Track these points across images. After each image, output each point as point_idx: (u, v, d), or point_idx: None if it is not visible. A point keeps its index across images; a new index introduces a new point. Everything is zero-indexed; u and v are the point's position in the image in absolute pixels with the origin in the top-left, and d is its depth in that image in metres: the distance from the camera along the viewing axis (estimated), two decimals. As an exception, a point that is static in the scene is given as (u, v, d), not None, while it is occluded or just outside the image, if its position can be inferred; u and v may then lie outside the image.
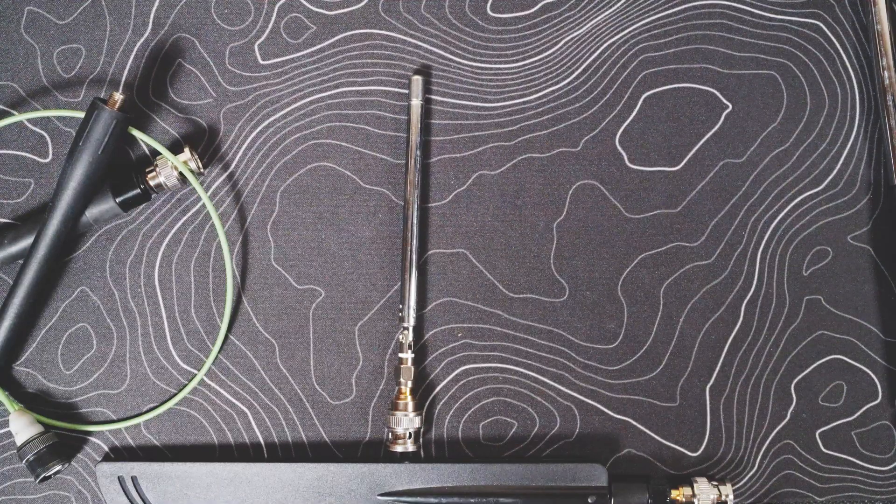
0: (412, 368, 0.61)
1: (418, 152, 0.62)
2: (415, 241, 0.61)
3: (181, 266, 0.63)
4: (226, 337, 0.62)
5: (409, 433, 0.60)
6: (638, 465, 0.63)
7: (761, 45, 0.64)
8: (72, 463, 0.62)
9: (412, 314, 0.61)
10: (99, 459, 0.62)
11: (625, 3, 0.64)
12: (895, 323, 0.64)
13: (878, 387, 0.64)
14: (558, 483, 0.60)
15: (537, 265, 0.63)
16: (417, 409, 0.61)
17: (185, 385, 0.62)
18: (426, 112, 0.63)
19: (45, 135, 0.63)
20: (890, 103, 0.63)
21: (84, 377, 0.62)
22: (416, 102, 0.62)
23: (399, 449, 0.60)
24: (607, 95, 0.64)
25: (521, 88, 0.64)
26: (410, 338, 0.61)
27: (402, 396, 0.61)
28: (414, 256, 0.61)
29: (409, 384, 0.61)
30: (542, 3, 0.64)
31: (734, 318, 0.64)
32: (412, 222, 0.62)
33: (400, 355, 0.61)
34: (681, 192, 0.64)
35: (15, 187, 0.63)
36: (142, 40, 0.63)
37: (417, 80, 0.62)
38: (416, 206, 0.62)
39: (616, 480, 0.61)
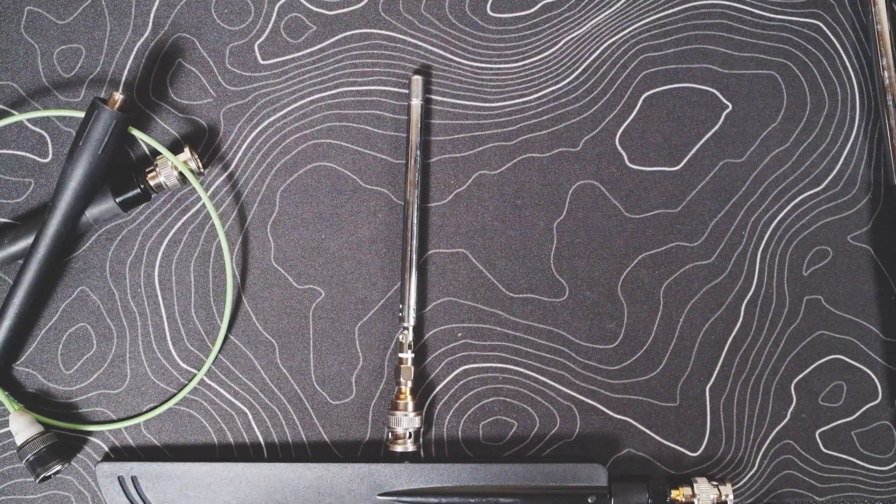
0: (412, 368, 0.61)
1: (418, 152, 0.62)
2: (415, 241, 0.61)
3: (181, 266, 0.63)
4: (226, 337, 0.62)
5: (409, 433, 0.60)
6: (638, 465, 0.63)
7: (761, 45, 0.64)
8: (72, 463, 0.62)
9: (412, 314, 0.61)
10: (99, 459, 0.62)
11: (625, 3, 0.64)
12: (895, 323, 0.64)
13: (878, 387, 0.64)
14: (558, 483, 0.60)
15: (537, 265, 0.63)
16: (417, 409, 0.61)
17: (185, 385, 0.62)
18: (426, 112, 0.63)
19: (45, 135, 0.63)
20: (890, 103, 0.63)
21: (84, 377, 0.62)
22: (416, 102, 0.62)
23: (399, 449, 0.60)
24: (607, 95, 0.64)
25: (521, 88, 0.64)
26: (410, 338, 0.61)
27: (402, 396, 0.61)
28: (414, 256, 0.61)
29: (409, 384, 0.61)
30: (542, 3, 0.64)
31: (734, 318, 0.64)
32: (412, 222, 0.62)
33: (400, 355, 0.61)
34: (681, 192, 0.64)
35: (15, 187, 0.63)
36: (142, 40, 0.63)
37: (417, 80, 0.62)
38: (416, 206, 0.62)
39: (616, 480, 0.61)
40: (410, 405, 0.60)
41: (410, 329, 0.61)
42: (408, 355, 0.61)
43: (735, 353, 0.63)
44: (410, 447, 0.60)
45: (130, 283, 0.63)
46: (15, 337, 0.61)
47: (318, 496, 0.60)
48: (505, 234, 0.63)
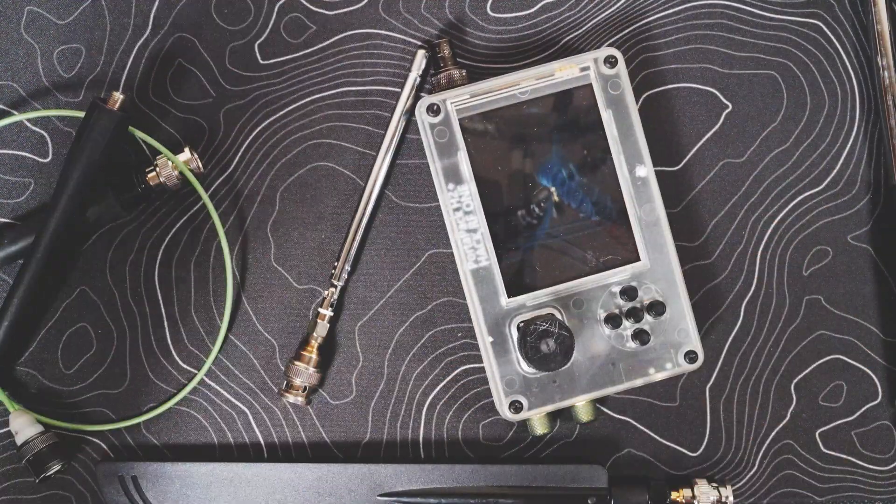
0: (328, 326, 0.61)
1: (404, 116, 0.62)
2: (374, 196, 0.62)
3: (181, 266, 0.63)
4: (226, 337, 0.62)
5: (305, 387, 0.61)
6: (638, 465, 0.63)
7: (761, 45, 0.64)
8: (72, 463, 0.62)
9: (344, 274, 0.62)
10: (99, 459, 0.62)
11: (625, 3, 0.64)
12: (895, 323, 0.64)
13: (878, 387, 0.64)
14: (558, 484, 0.60)
15: (537, 265, 0.63)
16: (319, 367, 0.61)
17: (186, 385, 0.62)
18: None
19: (45, 135, 0.63)
20: (890, 103, 0.63)
21: (84, 377, 0.62)
22: (414, 75, 0.62)
23: (290, 399, 0.61)
24: (607, 95, 0.64)
25: (521, 88, 0.64)
26: (335, 296, 0.62)
27: (308, 349, 0.61)
28: (368, 212, 0.62)
29: (320, 340, 0.61)
30: (542, 3, 0.64)
31: (734, 318, 0.64)
32: (377, 175, 0.62)
33: (320, 310, 0.61)
34: (681, 192, 0.64)
35: (15, 187, 0.63)
36: (142, 40, 0.63)
37: (420, 55, 0.62)
38: (386, 161, 0.62)
39: (616, 482, 0.61)
40: (314, 360, 0.61)
41: (338, 288, 0.61)
42: (327, 312, 0.61)
43: (735, 353, 0.63)
44: (301, 400, 0.60)
45: (130, 283, 0.63)
46: (15, 337, 0.61)
47: (318, 496, 0.60)
48: (505, 234, 0.63)
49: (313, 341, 0.61)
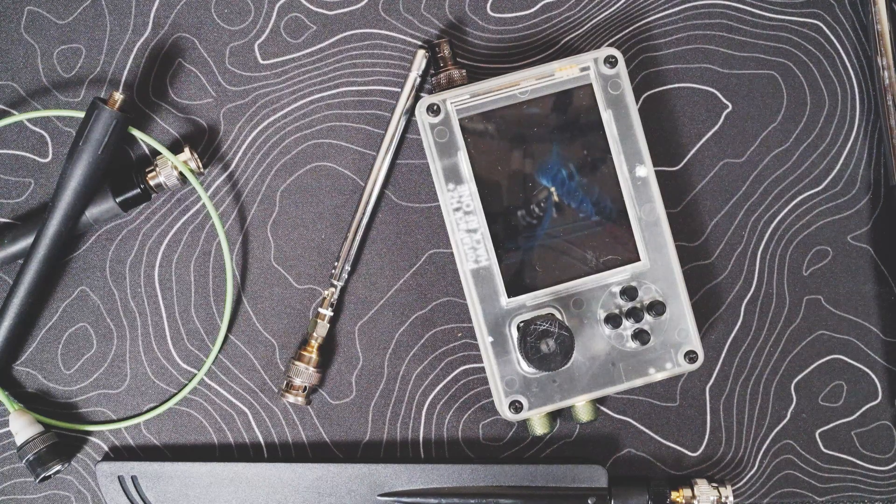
0: (328, 326, 0.61)
1: (404, 117, 0.62)
2: (373, 196, 0.62)
3: (181, 266, 0.63)
4: (226, 337, 0.62)
5: (305, 387, 0.61)
6: (638, 465, 0.63)
7: (761, 45, 0.64)
8: (72, 463, 0.62)
9: (344, 274, 0.62)
10: (99, 459, 0.62)
11: (625, 3, 0.64)
12: (895, 323, 0.64)
13: (878, 387, 0.64)
14: (558, 484, 0.60)
15: (537, 265, 0.63)
16: (319, 367, 0.61)
17: (185, 385, 0.62)
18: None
19: (45, 135, 0.63)
20: (890, 103, 0.63)
21: (84, 377, 0.62)
22: (414, 75, 0.62)
23: (290, 399, 0.61)
24: (607, 95, 0.64)
25: (521, 88, 0.64)
26: (336, 297, 0.62)
27: (308, 349, 0.61)
28: (368, 211, 0.62)
29: (320, 340, 0.61)
30: (542, 3, 0.64)
31: (734, 318, 0.64)
32: (377, 174, 0.62)
33: (319, 310, 0.61)
34: (681, 192, 0.64)
35: (15, 187, 0.63)
36: (142, 40, 0.63)
37: (420, 54, 0.62)
38: (386, 159, 0.62)
39: (616, 482, 0.61)
40: (314, 360, 0.61)
41: (338, 288, 0.62)
42: (327, 312, 0.61)
43: (735, 353, 0.63)
44: (301, 400, 0.61)
45: (130, 283, 0.63)
46: (15, 337, 0.61)
47: (318, 496, 0.60)
48: (505, 234, 0.63)
49: (313, 341, 0.61)
